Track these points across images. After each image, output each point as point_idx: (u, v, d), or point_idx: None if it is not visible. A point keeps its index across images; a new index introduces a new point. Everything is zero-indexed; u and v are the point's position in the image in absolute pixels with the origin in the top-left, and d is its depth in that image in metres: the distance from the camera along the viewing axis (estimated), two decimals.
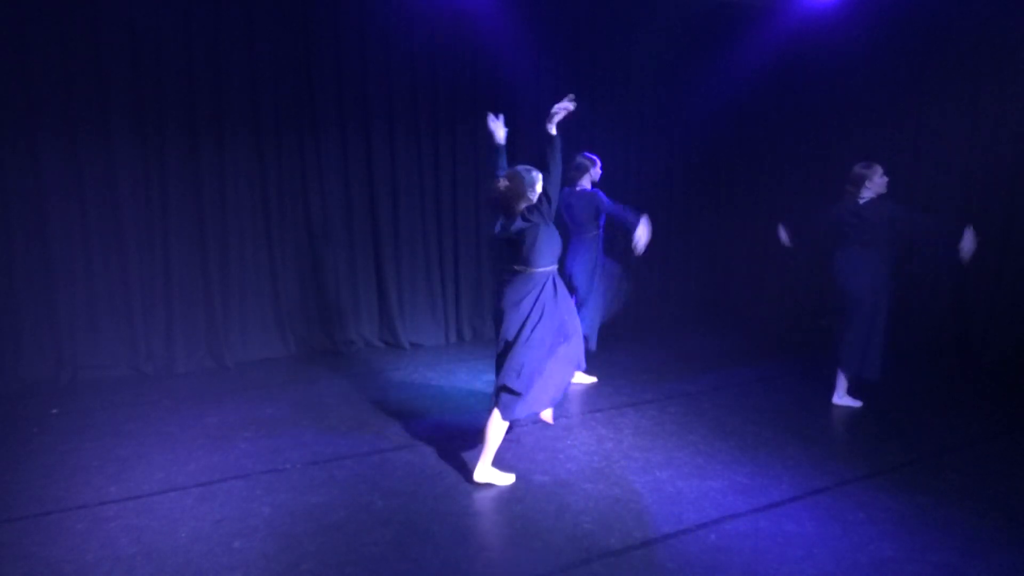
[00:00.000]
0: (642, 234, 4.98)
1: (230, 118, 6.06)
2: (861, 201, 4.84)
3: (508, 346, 3.66)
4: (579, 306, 5.46)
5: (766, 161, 8.03)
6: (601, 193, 5.41)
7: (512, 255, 3.71)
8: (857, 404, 5.04)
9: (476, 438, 4.49)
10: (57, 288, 5.67)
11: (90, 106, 5.60)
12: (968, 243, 4.46)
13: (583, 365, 4.21)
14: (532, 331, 3.62)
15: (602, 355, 6.54)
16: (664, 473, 3.94)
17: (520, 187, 3.66)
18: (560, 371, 3.76)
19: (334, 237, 6.61)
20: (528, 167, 3.75)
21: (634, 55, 7.66)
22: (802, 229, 5.27)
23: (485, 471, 3.77)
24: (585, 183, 5.48)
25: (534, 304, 3.64)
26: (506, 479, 3.77)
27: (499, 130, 4.18)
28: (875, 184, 4.82)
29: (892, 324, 5.00)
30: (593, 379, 5.70)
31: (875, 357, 4.89)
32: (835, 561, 3.05)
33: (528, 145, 7.33)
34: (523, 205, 3.66)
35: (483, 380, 5.76)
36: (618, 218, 5.27)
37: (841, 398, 5.08)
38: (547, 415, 4.26)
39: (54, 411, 5.01)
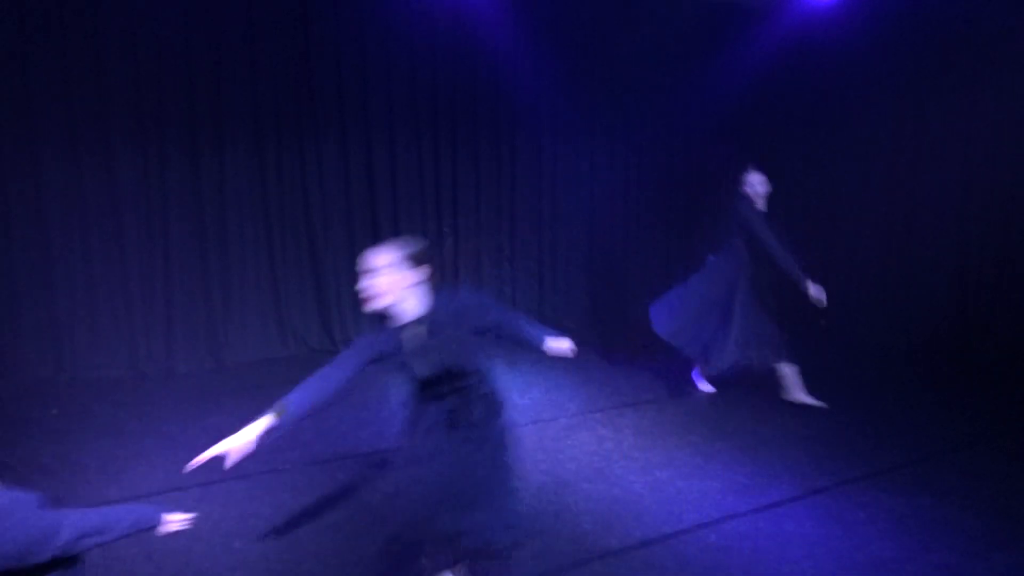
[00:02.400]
0: None
1: (230, 119, 6.05)
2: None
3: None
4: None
5: (765, 161, 8.02)
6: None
7: None
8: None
9: None
10: (57, 288, 5.67)
11: (90, 106, 5.59)
12: None
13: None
14: None
15: (601, 355, 6.55)
16: (664, 473, 3.94)
17: None
18: None
19: (334, 237, 6.61)
20: None
21: (634, 55, 7.65)
22: None
23: None
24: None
25: None
26: None
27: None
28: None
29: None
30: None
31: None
32: (835, 561, 3.05)
33: (527, 143, 7.35)
34: None
35: None
36: None
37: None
38: None
39: (54, 411, 5.01)
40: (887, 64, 6.73)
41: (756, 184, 5.03)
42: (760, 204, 4.99)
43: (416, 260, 2.50)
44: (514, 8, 6.83)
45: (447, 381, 2.57)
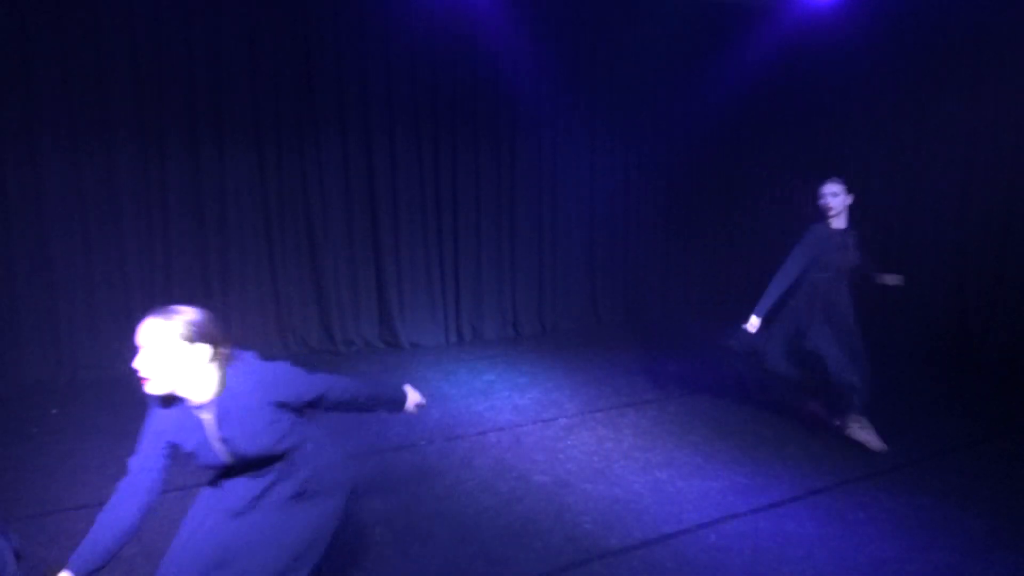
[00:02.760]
0: None
1: (230, 119, 6.06)
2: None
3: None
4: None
5: (766, 162, 8.04)
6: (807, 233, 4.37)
7: None
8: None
9: (476, 437, 4.49)
10: (57, 288, 5.67)
11: (90, 106, 5.60)
12: None
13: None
14: None
15: (602, 355, 6.55)
16: (664, 473, 3.94)
17: None
18: None
19: (334, 237, 6.61)
20: None
21: (634, 56, 7.66)
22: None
23: None
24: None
25: None
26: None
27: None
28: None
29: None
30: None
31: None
32: (835, 561, 3.05)
33: (527, 144, 7.35)
34: None
35: (483, 380, 5.75)
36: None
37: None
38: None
39: (54, 411, 5.01)
40: (887, 64, 6.73)
41: (828, 195, 4.26)
42: (837, 220, 4.27)
43: (199, 335, 2.07)
44: (514, 8, 6.83)
45: (252, 468, 2.20)
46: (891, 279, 4.53)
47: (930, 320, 6.53)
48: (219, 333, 2.11)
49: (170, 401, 2.14)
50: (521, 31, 6.97)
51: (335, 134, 6.49)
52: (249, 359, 2.20)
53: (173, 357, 2.04)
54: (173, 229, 5.99)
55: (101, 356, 5.85)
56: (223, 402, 2.12)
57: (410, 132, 6.79)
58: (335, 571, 2.98)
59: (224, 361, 2.13)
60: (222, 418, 2.11)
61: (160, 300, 6.08)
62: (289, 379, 2.21)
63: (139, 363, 2.07)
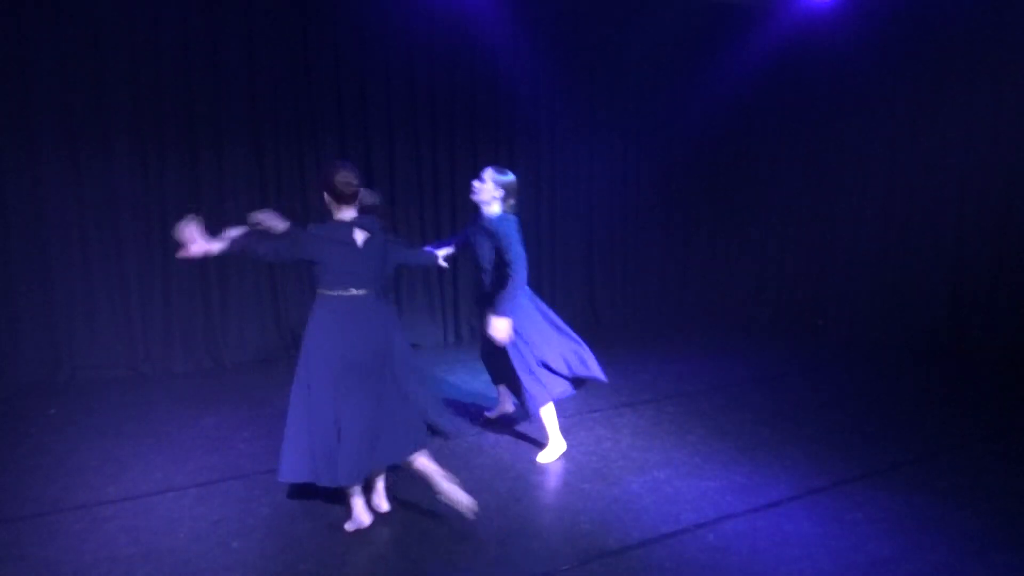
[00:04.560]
0: None
1: (229, 119, 6.06)
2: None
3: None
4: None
5: (764, 162, 8.04)
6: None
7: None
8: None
9: (474, 437, 4.49)
10: (55, 288, 5.67)
11: (89, 106, 5.60)
12: None
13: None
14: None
15: (601, 355, 6.54)
16: (662, 473, 3.94)
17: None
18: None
19: None
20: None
21: (633, 56, 7.67)
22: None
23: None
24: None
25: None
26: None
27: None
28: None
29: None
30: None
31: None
32: (833, 561, 3.05)
33: (527, 143, 7.36)
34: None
35: (482, 380, 5.74)
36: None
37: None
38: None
39: (52, 411, 5.01)
40: (886, 64, 6.74)
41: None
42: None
43: (504, 187, 4.02)
44: (514, 8, 6.83)
45: (481, 270, 4.13)
46: None
47: (929, 319, 6.54)
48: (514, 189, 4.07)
49: (479, 208, 4.10)
50: (521, 31, 6.98)
51: (333, 135, 6.50)
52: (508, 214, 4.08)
53: (492, 189, 4.01)
54: (171, 229, 5.97)
55: (99, 356, 5.85)
56: (487, 223, 4.01)
57: (409, 132, 6.79)
58: (332, 571, 2.98)
59: (504, 204, 4.05)
60: (484, 231, 4.03)
61: (159, 300, 6.15)
62: (505, 246, 3.95)
63: (477, 187, 4.05)
